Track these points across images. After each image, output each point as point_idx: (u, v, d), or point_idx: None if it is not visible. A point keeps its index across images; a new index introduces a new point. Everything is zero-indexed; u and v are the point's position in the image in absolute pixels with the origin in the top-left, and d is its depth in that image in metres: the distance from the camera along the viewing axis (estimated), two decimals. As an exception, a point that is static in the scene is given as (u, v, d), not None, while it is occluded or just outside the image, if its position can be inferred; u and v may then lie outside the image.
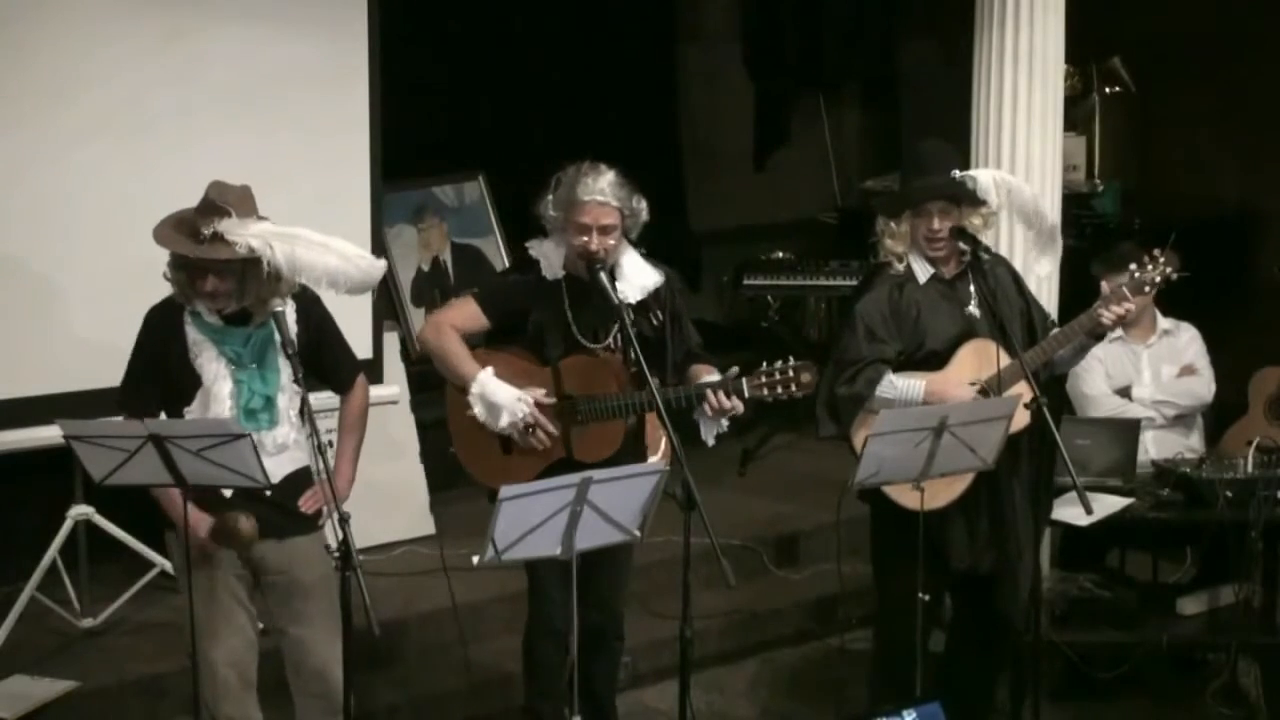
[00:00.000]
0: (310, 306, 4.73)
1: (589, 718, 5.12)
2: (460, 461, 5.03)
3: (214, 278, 4.51)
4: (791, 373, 4.81)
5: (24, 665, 5.58)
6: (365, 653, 5.48)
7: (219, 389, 4.57)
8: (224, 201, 4.51)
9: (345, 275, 4.61)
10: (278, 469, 4.63)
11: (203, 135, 5.64)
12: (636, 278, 4.96)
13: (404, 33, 6.64)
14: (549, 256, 4.95)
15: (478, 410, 4.86)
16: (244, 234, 4.48)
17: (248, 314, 4.61)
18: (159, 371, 4.61)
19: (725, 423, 4.93)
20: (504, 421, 4.83)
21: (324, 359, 4.77)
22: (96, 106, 5.59)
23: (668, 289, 5.03)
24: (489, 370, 4.87)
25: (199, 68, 5.73)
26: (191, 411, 4.59)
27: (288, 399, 4.63)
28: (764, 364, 4.85)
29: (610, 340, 4.95)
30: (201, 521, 4.55)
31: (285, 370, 4.61)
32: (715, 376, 4.90)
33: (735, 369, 4.86)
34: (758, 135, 9.39)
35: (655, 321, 4.97)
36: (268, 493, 4.56)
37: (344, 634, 4.46)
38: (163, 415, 4.60)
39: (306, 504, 4.70)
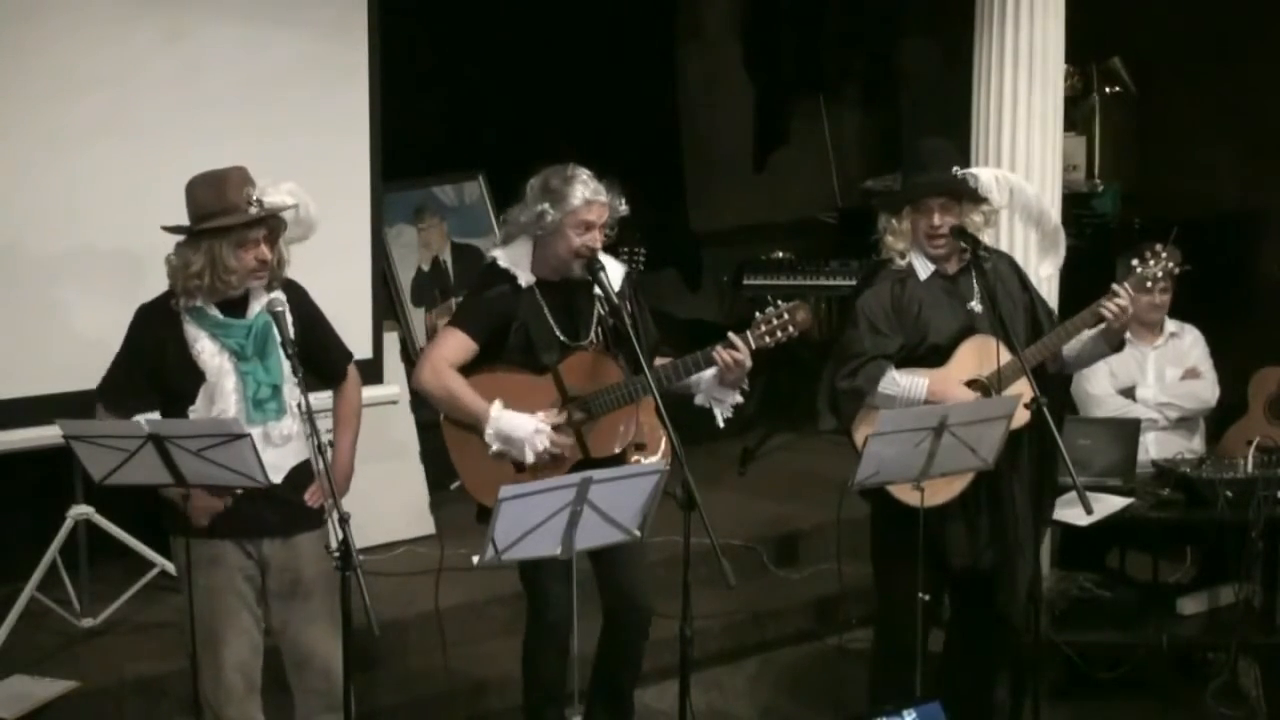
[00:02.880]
0: (300, 298, 4.74)
1: (609, 714, 5.14)
2: (471, 494, 4.99)
3: (265, 246, 4.55)
4: (786, 314, 4.87)
5: (24, 665, 5.58)
6: (365, 653, 5.49)
7: (224, 383, 4.57)
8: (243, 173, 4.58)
9: (309, 213, 4.73)
10: (283, 461, 4.64)
11: (203, 135, 5.63)
12: (613, 271, 5.00)
13: (404, 32, 6.64)
14: (519, 263, 4.96)
15: (496, 447, 4.86)
16: (277, 191, 4.57)
17: (245, 305, 4.62)
18: (154, 371, 4.61)
19: (738, 396, 4.97)
20: (529, 456, 4.84)
21: (315, 349, 4.75)
22: (97, 106, 5.59)
23: (628, 281, 5.08)
24: (498, 403, 4.87)
25: (199, 68, 5.73)
26: (195, 409, 4.58)
27: (289, 389, 4.64)
28: (757, 314, 4.90)
29: (592, 335, 4.98)
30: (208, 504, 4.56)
31: (285, 360, 4.61)
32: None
33: (730, 335, 4.89)
34: (758, 135, 9.39)
35: (627, 312, 4.97)
36: (276, 485, 4.58)
37: (344, 634, 4.46)
38: (156, 415, 4.59)
39: (313, 498, 4.70)
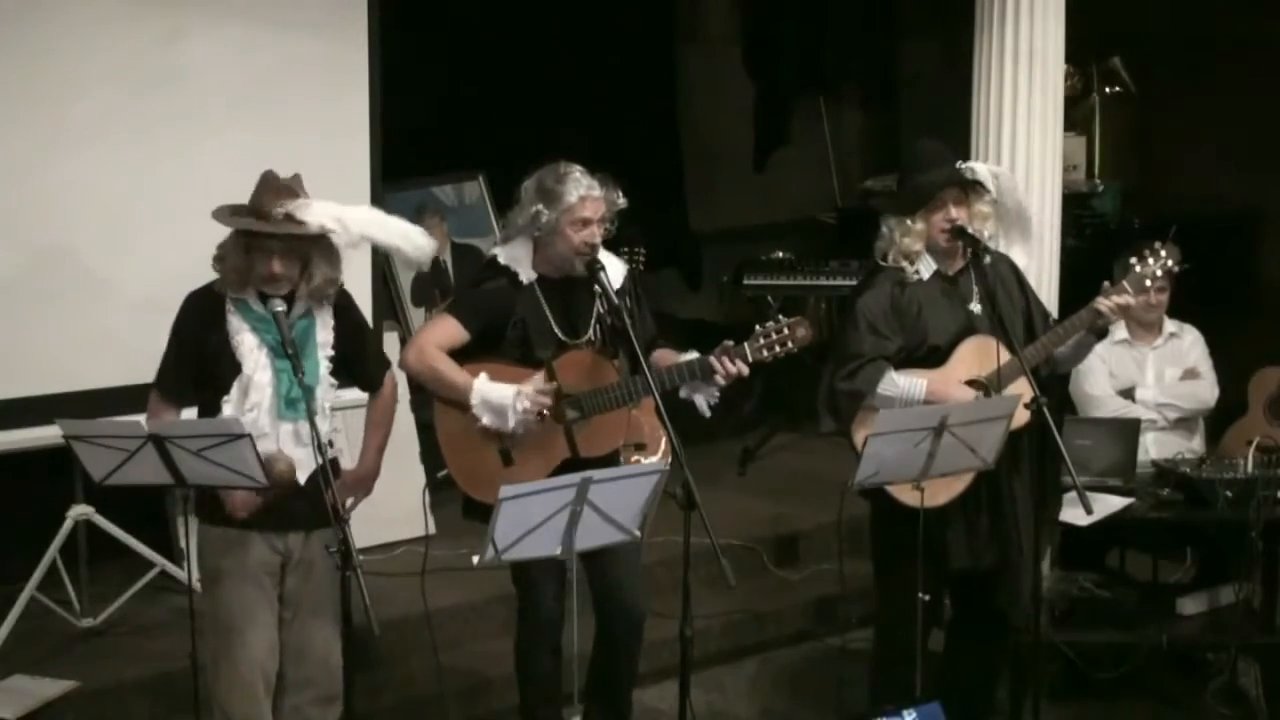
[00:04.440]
0: (348, 304, 4.78)
1: (607, 715, 5.14)
2: (458, 483, 5.00)
3: (279, 260, 4.54)
4: (786, 330, 4.86)
5: (24, 665, 5.57)
6: (365, 653, 5.48)
7: (259, 378, 4.59)
8: (290, 184, 4.58)
9: (402, 254, 4.77)
10: (310, 459, 4.62)
11: (203, 135, 5.64)
12: (614, 268, 5.00)
13: (404, 33, 6.64)
14: (520, 261, 4.96)
15: (485, 418, 4.85)
16: (315, 213, 4.56)
17: (290, 304, 4.62)
18: (198, 357, 4.62)
19: (717, 393, 4.95)
20: (512, 420, 4.83)
21: (355, 357, 4.79)
22: (97, 107, 5.59)
23: (629, 278, 5.08)
24: (483, 375, 4.87)
25: (199, 68, 5.73)
26: (229, 400, 4.59)
27: (324, 390, 4.66)
28: (757, 326, 4.89)
29: (590, 334, 4.97)
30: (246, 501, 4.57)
31: (324, 362, 4.64)
32: (681, 359, 4.93)
33: (729, 341, 4.88)
34: (758, 135, 9.39)
35: (626, 310, 4.97)
36: (301, 484, 4.59)
37: (344, 634, 4.46)
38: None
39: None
